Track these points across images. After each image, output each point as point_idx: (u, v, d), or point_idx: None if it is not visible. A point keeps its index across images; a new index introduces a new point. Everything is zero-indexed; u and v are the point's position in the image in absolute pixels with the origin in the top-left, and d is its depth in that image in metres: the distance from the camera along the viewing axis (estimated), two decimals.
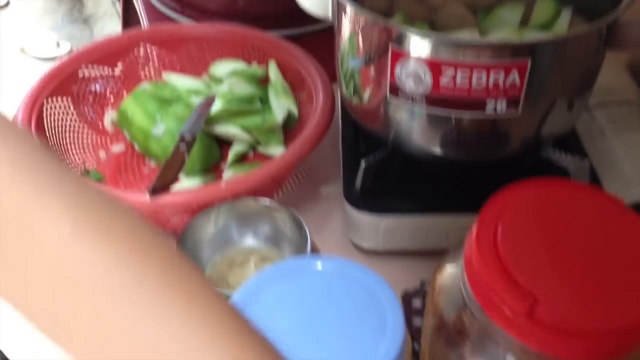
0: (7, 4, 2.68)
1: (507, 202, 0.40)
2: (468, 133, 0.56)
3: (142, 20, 1.09)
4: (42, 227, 0.26)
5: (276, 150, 0.73)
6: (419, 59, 0.52)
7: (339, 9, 0.58)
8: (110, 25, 2.37)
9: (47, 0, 2.69)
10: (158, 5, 1.05)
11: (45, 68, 0.74)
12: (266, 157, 0.73)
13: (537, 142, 0.58)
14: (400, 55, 0.53)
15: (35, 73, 0.74)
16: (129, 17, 1.36)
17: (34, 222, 0.26)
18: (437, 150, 0.58)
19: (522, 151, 0.59)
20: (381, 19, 0.54)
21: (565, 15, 0.61)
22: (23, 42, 1.10)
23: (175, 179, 0.60)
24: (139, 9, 1.13)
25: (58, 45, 1.05)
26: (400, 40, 0.52)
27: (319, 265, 0.45)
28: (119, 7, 1.45)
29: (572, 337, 0.35)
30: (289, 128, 0.76)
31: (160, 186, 0.58)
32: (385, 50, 0.54)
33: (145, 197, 0.58)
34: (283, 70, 0.77)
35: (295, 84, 0.76)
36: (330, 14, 0.61)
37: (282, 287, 0.45)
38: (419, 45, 0.52)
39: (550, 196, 0.40)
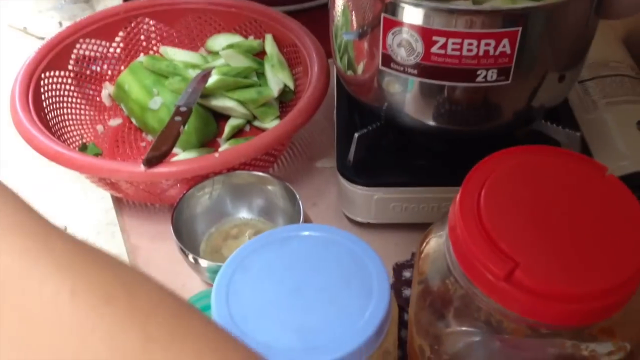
0: None
1: (490, 170, 0.40)
2: (460, 103, 0.56)
3: None
4: (39, 298, 0.24)
5: (272, 124, 0.73)
6: (410, 27, 0.52)
7: None
8: (112, 4, 2.37)
9: None
10: None
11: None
12: (262, 131, 0.74)
13: (528, 113, 0.58)
14: (392, 24, 0.53)
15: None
16: None
17: (30, 292, 0.24)
18: (429, 121, 0.58)
19: (514, 122, 0.59)
20: None
21: None
22: (26, 22, 1.09)
23: (170, 150, 0.60)
24: None
25: (60, 24, 1.05)
26: (391, 9, 0.52)
27: (306, 233, 0.45)
28: None
29: (551, 300, 0.36)
30: (286, 102, 0.76)
31: (155, 157, 0.59)
32: (377, 21, 0.54)
33: (140, 168, 0.58)
34: (280, 44, 0.77)
35: (292, 58, 0.76)
36: None
37: (270, 255, 0.45)
38: (410, 14, 0.51)
39: (533, 163, 0.41)
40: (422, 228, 0.48)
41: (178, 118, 0.65)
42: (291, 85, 0.74)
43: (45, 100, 0.70)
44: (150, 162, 0.58)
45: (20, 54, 0.74)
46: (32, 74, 0.69)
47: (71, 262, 0.25)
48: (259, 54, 0.78)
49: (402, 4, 0.51)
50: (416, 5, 0.51)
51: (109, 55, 0.79)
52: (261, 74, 0.76)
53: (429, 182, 0.61)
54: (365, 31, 0.56)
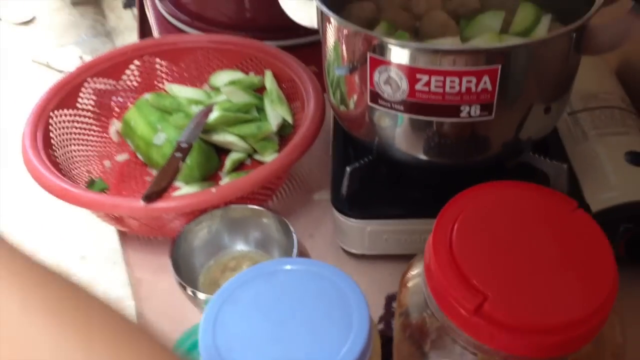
0: (33, 19, 2.77)
1: (463, 205, 0.42)
2: (448, 138, 0.57)
3: (153, 31, 1.12)
4: None
5: (272, 157, 0.75)
6: (394, 66, 0.54)
7: (323, 20, 0.61)
8: (131, 38, 2.43)
9: (70, 15, 2.77)
10: (169, 18, 1.08)
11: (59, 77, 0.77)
12: (262, 165, 0.76)
13: (516, 145, 0.59)
14: (377, 62, 0.55)
15: (49, 83, 0.77)
16: (145, 30, 1.40)
17: None
18: (419, 155, 0.60)
19: (502, 155, 0.60)
20: (360, 29, 0.56)
21: (545, 22, 0.62)
22: (48, 57, 1.15)
23: (169, 186, 0.63)
24: (152, 22, 1.17)
25: (81, 59, 1.10)
26: (377, 48, 0.54)
27: (293, 266, 0.47)
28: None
29: (521, 333, 0.37)
30: (285, 135, 0.78)
31: (155, 192, 0.61)
32: (365, 59, 0.56)
33: (140, 203, 0.61)
34: (279, 79, 0.79)
35: (291, 93, 0.78)
36: (316, 24, 0.63)
37: (259, 288, 0.47)
38: (393, 53, 0.53)
39: (505, 198, 0.42)
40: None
41: (178, 154, 0.67)
42: (290, 119, 0.77)
43: (54, 138, 0.73)
44: (150, 198, 0.60)
45: (44, 88, 0.77)
46: (41, 113, 0.72)
47: (26, 277, 0.27)
48: (259, 89, 0.80)
49: (386, 44, 0.53)
50: (400, 45, 0.53)
51: (117, 92, 0.82)
52: (261, 109, 0.79)
53: (420, 213, 0.62)
54: (354, 67, 0.58)
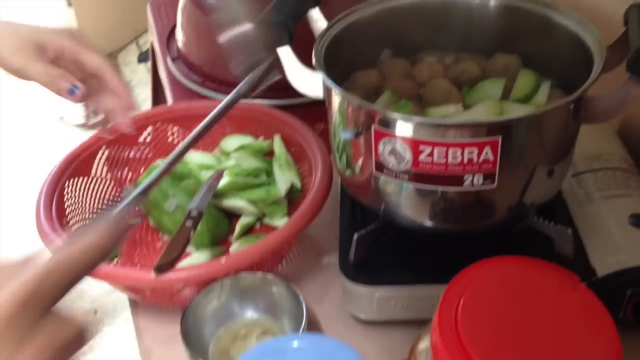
0: None
1: (468, 283, 0.42)
2: (453, 205, 0.58)
3: (166, 91, 1.16)
4: None
5: (281, 221, 0.77)
6: (398, 139, 0.55)
7: (329, 92, 0.62)
8: (145, 92, 2.48)
9: None
10: (181, 78, 1.12)
11: (83, 136, 0.80)
12: (272, 229, 0.77)
13: (520, 210, 0.60)
14: (382, 134, 0.56)
15: (73, 140, 0.80)
16: (157, 85, 1.44)
17: None
18: (425, 221, 0.61)
19: (507, 220, 0.61)
20: (365, 103, 0.57)
21: (545, 88, 0.64)
22: (62, 111, 1.18)
23: (179, 256, 0.64)
24: (164, 82, 1.20)
25: (95, 113, 1.12)
26: (381, 121, 0.56)
27: (300, 343, 0.48)
28: None
29: None
30: (293, 199, 0.79)
31: (166, 264, 0.62)
32: (370, 130, 0.57)
33: (151, 275, 0.62)
34: (287, 143, 0.81)
35: (298, 156, 0.80)
36: (322, 95, 0.65)
37: None
38: (397, 126, 0.55)
39: (509, 274, 0.43)
40: (425, 324, 0.50)
41: (189, 223, 0.68)
42: (298, 184, 0.78)
43: (68, 207, 0.75)
44: (161, 269, 0.61)
45: (59, 142, 0.79)
46: (57, 182, 0.74)
47: None
48: (268, 153, 0.82)
49: (390, 118, 0.55)
50: (403, 119, 0.54)
51: (131, 158, 0.84)
52: (270, 172, 0.80)
53: (428, 279, 0.63)
54: (359, 135, 0.59)
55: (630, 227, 0.61)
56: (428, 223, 0.60)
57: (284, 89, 1.08)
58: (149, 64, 2.58)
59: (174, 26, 1.41)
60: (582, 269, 0.60)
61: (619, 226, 0.62)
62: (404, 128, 0.55)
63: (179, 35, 1.30)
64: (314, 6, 0.67)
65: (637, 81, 0.51)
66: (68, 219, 0.74)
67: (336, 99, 0.61)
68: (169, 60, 1.17)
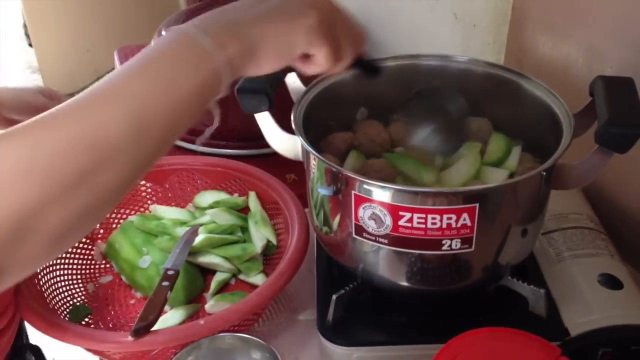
0: None
1: (454, 355, 0.43)
2: (430, 267, 0.60)
3: None
4: None
5: (256, 278, 0.76)
6: (378, 204, 0.56)
7: (307, 154, 0.63)
8: None
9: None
10: None
11: None
12: (247, 285, 0.77)
13: (496, 271, 0.62)
14: (362, 200, 0.57)
15: None
16: None
17: None
18: (403, 282, 0.62)
19: (483, 281, 0.63)
20: (349, 172, 0.58)
21: (515, 152, 0.66)
22: None
23: (157, 319, 0.63)
24: None
25: None
26: (361, 187, 0.57)
27: None
28: None
29: None
30: (269, 255, 0.80)
31: (143, 327, 0.61)
32: (349, 194, 0.58)
33: (128, 338, 0.61)
34: (262, 200, 0.81)
35: (274, 212, 0.80)
36: (300, 157, 0.66)
37: None
38: (378, 193, 0.56)
39: (492, 349, 0.44)
40: None
41: (166, 283, 0.68)
42: (274, 240, 0.78)
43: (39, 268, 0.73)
44: (139, 333, 0.61)
45: None
46: None
47: None
48: (243, 209, 0.82)
49: (371, 185, 0.56)
50: (382, 187, 0.56)
51: None
52: (245, 229, 0.81)
53: (406, 340, 0.64)
54: (338, 192, 0.60)
55: (599, 287, 0.64)
56: (406, 284, 0.62)
57: (254, 139, 1.10)
58: None
59: None
60: (555, 329, 0.62)
61: (589, 286, 0.64)
62: (383, 194, 0.56)
63: None
64: (290, 71, 0.69)
65: (605, 152, 0.54)
66: (39, 278, 0.72)
67: (314, 162, 0.62)
68: None
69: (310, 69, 0.54)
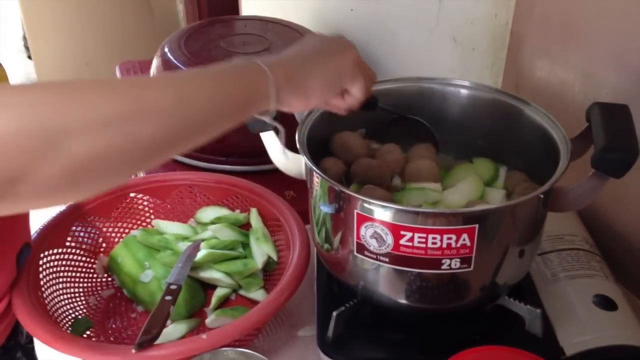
0: None
1: None
2: (430, 286, 0.61)
3: None
4: None
5: (257, 294, 0.78)
6: (381, 224, 0.58)
7: (311, 172, 0.65)
8: None
9: None
10: None
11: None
12: (248, 300, 0.78)
13: (493, 291, 0.63)
14: (364, 219, 0.59)
15: None
16: None
17: None
18: (402, 300, 0.63)
19: (480, 300, 0.64)
20: (353, 193, 0.59)
21: (502, 173, 0.69)
22: None
23: (160, 332, 0.64)
24: None
25: None
26: (364, 207, 0.58)
27: None
28: None
29: None
30: (269, 271, 0.81)
31: (146, 340, 0.62)
32: (351, 213, 0.60)
33: (132, 351, 0.62)
34: (264, 216, 0.83)
35: (274, 229, 0.81)
36: (304, 175, 0.68)
37: None
38: (380, 212, 0.58)
39: None
40: None
41: (169, 297, 0.69)
42: (274, 257, 0.80)
43: (42, 279, 0.74)
44: (142, 346, 0.62)
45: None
46: (32, 255, 0.74)
47: None
48: (245, 225, 0.84)
49: (373, 205, 0.57)
50: (384, 207, 0.57)
51: (105, 229, 0.84)
52: (246, 244, 0.82)
53: (404, 357, 0.65)
54: (340, 210, 0.61)
55: (594, 307, 0.65)
56: (405, 302, 0.63)
57: (254, 155, 1.11)
58: None
59: None
60: (551, 348, 0.63)
61: (584, 306, 0.65)
62: (385, 214, 0.58)
63: None
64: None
65: (602, 177, 0.55)
66: (42, 291, 0.73)
67: (317, 181, 0.63)
68: None
69: (345, 104, 0.63)
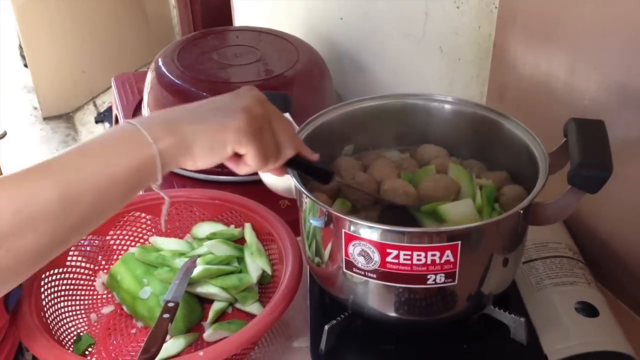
0: (4, 134, 2.81)
1: None
2: (417, 300, 0.64)
3: None
4: None
5: (252, 307, 0.80)
6: (368, 242, 0.60)
7: (300, 194, 0.67)
8: None
9: (42, 130, 2.83)
10: None
11: None
12: (244, 313, 0.80)
13: (479, 301, 0.66)
14: (352, 238, 0.61)
15: None
16: None
17: None
18: (391, 313, 0.65)
19: (466, 311, 0.66)
20: (340, 215, 0.61)
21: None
22: None
23: (159, 351, 0.66)
24: None
25: None
26: (351, 227, 0.61)
27: None
28: None
29: None
30: (264, 284, 0.83)
31: (146, 359, 0.65)
32: (339, 232, 0.62)
33: None
34: (257, 231, 0.85)
35: (268, 243, 0.84)
36: (294, 195, 0.70)
37: None
38: (367, 232, 0.60)
39: None
40: None
41: (166, 315, 0.71)
42: (269, 270, 0.82)
43: (44, 299, 0.76)
44: None
45: None
46: (34, 277, 0.76)
47: None
48: (239, 240, 0.86)
49: (359, 226, 0.60)
50: (371, 227, 0.59)
51: (104, 247, 0.86)
52: (241, 259, 0.84)
53: None
54: (327, 224, 0.63)
55: (577, 314, 0.67)
56: (394, 315, 0.65)
57: None
58: (107, 124, 2.59)
59: (140, 100, 1.45)
60: (535, 355, 0.65)
61: (567, 313, 0.68)
62: (372, 234, 0.60)
63: (146, 112, 1.34)
64: (284, 111, 0.73)
65: (578, 192, 0.58)
66: (45, 311, 0.75)
67: (307, 201, 0.66)
68: None
69: (241, 169, 0.59)
